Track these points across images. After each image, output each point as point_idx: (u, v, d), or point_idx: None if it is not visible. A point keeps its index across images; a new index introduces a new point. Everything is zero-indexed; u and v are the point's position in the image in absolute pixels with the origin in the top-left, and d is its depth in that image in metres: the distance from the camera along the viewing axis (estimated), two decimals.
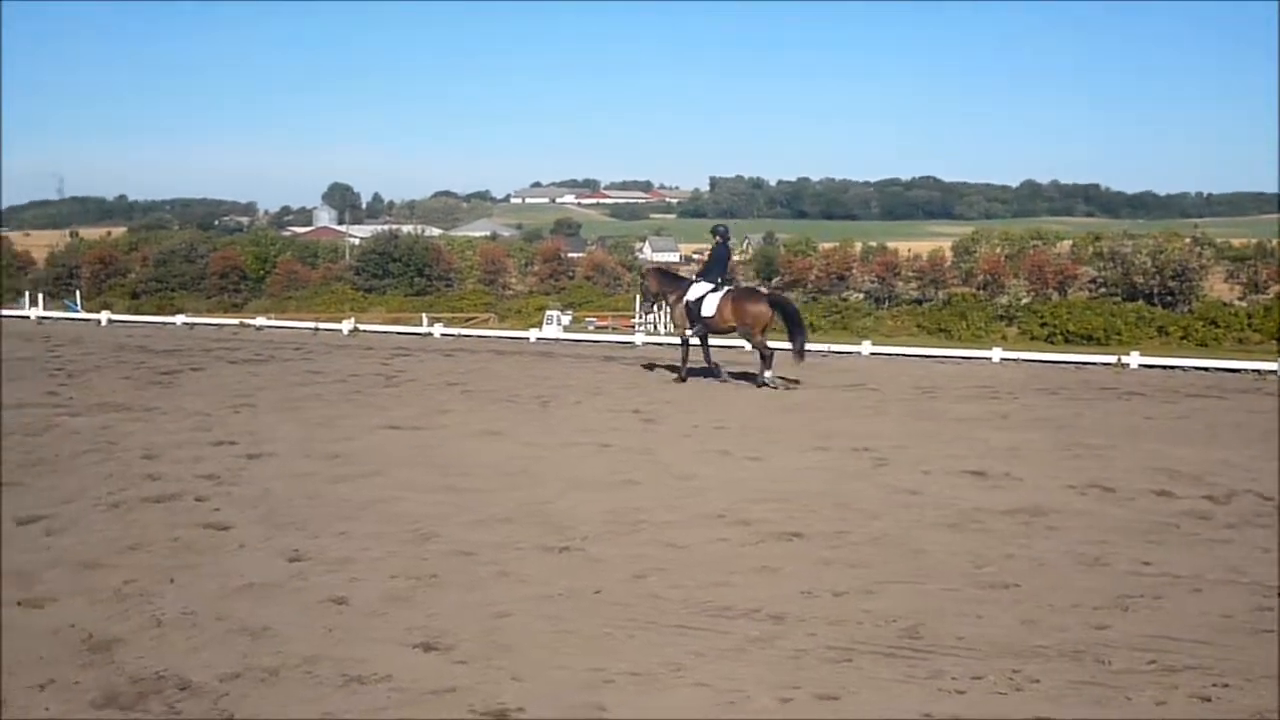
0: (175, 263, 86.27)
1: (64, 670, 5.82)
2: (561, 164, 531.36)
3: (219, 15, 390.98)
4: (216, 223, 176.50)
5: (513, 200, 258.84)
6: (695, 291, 17.98)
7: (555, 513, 9.25)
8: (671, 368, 19.09)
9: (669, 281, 19.17)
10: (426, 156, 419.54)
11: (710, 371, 18.34)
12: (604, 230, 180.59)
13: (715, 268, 18.32)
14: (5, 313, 34.26)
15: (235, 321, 32.24)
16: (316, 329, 28.18)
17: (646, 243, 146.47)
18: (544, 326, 29.56)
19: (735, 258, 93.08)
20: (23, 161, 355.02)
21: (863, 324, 61.47)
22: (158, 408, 14.53)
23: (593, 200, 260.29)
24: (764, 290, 20.14)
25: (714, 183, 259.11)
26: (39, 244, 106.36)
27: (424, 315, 48.65)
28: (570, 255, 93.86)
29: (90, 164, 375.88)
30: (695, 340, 18.34)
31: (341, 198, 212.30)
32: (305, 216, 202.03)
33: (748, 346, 18.68)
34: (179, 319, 31.36)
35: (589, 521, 8.96)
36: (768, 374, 17.49)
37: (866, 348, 23.98)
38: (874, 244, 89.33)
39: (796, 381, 17.80)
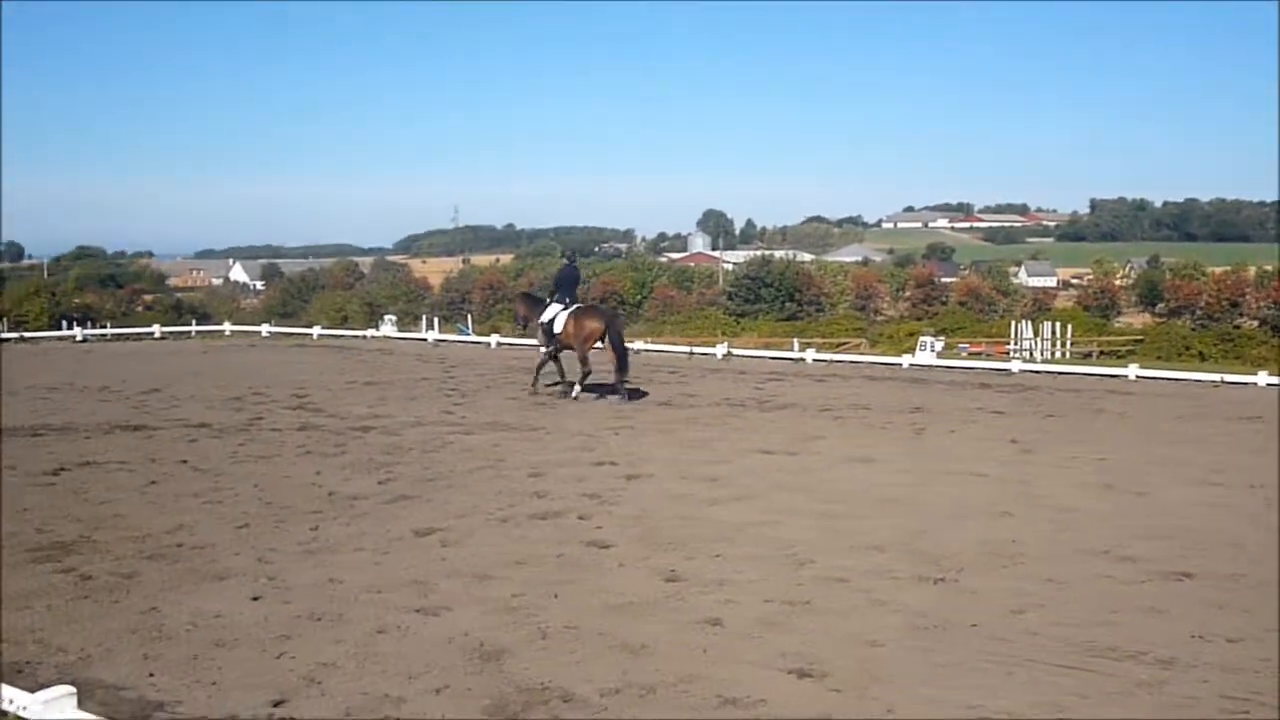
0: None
1: (457, 677, 6.16)
2: (934, 187, 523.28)
3: (598, 56, 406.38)
4: (596, 249, 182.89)
5: (884, 225, 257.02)
6: (549, 313, 19.32)
7: (929, 542, 9.14)
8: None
9: (533, 305, 20.30)
10: (798, 183, 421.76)
11: (568, 387, 19.21)
12: (978, 255, 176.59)
13: (563, 289, 19.59)
14: (405, 335, 36.50)
15: None
16: (691, 353, 28.73)
17: (1022, 267, 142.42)
18: (917, 352, 29.15)
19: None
20: (422, 193, 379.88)
21: (1258, 353, 57.54)
22: (543, 428, 15.21)
23: (966, 224, 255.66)
24: (602, 309, 21.72)
25: (1094, 205, 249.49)
26: (435, 270, 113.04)
27: (795, 340, 48.79)
28: (943, 280, 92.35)
29: (482, 195, 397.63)
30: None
31: (715, 224, 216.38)
32: (680, 242, 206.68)
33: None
34: None
35: (964, 553, 8.81)
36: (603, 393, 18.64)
37: (1263, 378, 22.55)
38: (1269, 268, 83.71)
39: (644, 393, 19.32)
